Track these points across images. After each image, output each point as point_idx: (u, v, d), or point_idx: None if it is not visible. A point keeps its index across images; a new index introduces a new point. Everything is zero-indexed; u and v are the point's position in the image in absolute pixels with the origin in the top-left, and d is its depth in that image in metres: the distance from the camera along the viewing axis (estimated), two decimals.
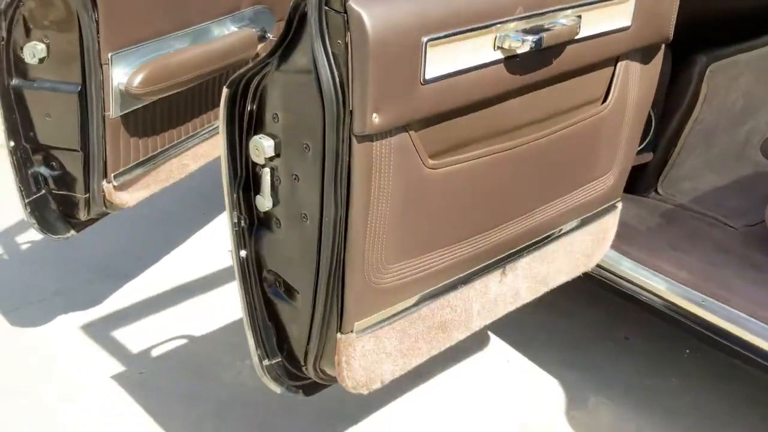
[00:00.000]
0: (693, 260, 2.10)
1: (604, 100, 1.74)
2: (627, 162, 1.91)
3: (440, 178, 1.42)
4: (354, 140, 1.25)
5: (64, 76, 1.96)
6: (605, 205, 1.97)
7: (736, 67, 2.34)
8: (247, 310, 1.54)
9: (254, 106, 1.37)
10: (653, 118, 2.27)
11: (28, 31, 1.93)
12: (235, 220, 1.48)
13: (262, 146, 1.36)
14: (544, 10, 1.42)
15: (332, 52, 1.22)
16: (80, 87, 1.96)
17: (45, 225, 2.16)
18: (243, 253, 1.50)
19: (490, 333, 2.53)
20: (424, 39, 1.24)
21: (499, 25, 1.36)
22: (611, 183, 1.90)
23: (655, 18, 1.66)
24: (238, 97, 1.37)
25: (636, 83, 1.77)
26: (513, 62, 1.41)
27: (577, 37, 1.50)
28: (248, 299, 1.53)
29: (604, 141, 1.79)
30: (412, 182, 1.38)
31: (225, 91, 1.34)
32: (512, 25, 1.38)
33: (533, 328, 2.51)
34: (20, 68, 1.98)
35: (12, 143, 2.03)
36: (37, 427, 2.09)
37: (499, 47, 1.37)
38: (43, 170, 2.12)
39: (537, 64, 1.47)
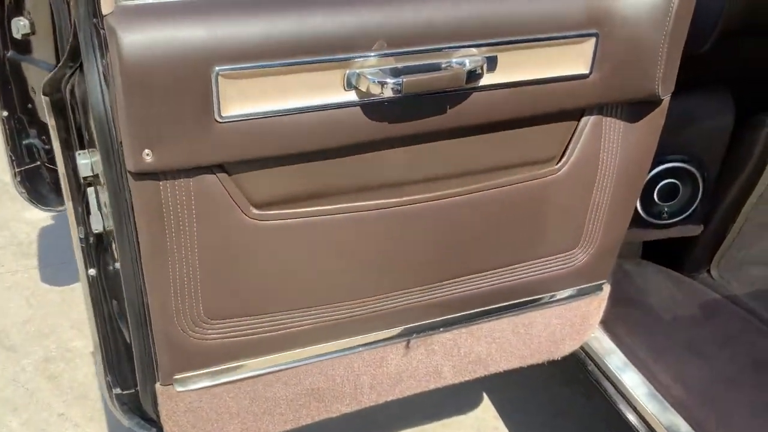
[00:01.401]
0: (703, 373, 1.66)
1: (559, 161, 1.39)
2: (610, 238, 1.52)
3: (273, 232, 1.19)
4: (131, 177, 1.07)
5: (43, 54, 1.94)
6: (579, 287, 1.60)
7: None
8: (97, 333, 1.41)
9: (78, 114, 1.23)
10: (700, 183, 1.83)
11: (18, 5, 1.93)
12: (81, 236, 1.35)
13: (78, 163, 1.22)
14: (422, 48, 1.12)
15: (103, 74, 1.04)
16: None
17: (36, 196, 2.18)
18: (92, 271, 1.38)
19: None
20: (216, 69, 1.01)
21: (347, 61, 1.09)
22: (584, 261, 1.54)
23: (631, 68, 1.28)
24: (67, 103, 1.23)
25: (617, 144, 1.39)
26: (380, 107, 1.14)
27: (486, 83, 1.18)
28: (98, 322, 1.41)
29: (560, 210, 1.43)
30: (228, 233, 1.16)
31: (44, 98, 1.21)
32: (371, 61, 1.10)
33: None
34: (14, 41, 1.99)
35: (5, 113, 2.06)
36: None
37: (354, 87, 1.11)
38: (38, 143, 2.14)
39: (426, 112, 1.18)
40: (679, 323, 1.85)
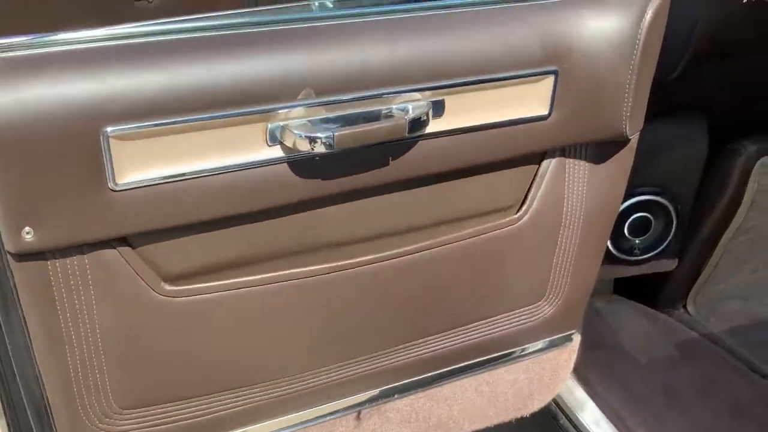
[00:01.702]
0: (681, 426, 1.53)
1: (519, 209, 1.24)
2: (579, 286, 1.38)
3: (190, 309, 1.03)
4: (11, 259, 0.90)
5: None
6: (548, 339, 1.46)
7: None
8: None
9: None
10: (674, 216, 1.70)
11: None
12: None
13: None
14: (356, 95, 0.97)
15: None
16: None
17: None
18: None
19: None
20: (106, 130, 0.85)
21: (268, 113, 0.94)
22: (551, 313, 1.39)
23: (595, 107, 1.14)
24: None
25: (583, 187, 1.25)
26: (311, 163, 0.98)
27: (433, 130, 1.04)
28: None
29: (522, 261, 1.29)
30: (135, 314, 1.00)
31: None
32: (297, 111, 0.95)
33: None
34: None
35: None
36: None
37: (278, 142, 0.95)
38: None
39: (365, 165, 1.02)
40: (655, 366, 1.72)
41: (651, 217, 1.69)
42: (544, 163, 1.21)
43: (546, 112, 1.12)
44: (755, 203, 1.67)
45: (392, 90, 0.99)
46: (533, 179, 1.22)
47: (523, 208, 1.23)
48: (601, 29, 1.09)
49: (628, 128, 1.16)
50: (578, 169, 1.24)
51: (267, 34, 0.93)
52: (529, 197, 1.23)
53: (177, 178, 0.91)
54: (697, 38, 1.45)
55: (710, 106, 1.62)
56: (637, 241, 1.72)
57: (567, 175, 1.24)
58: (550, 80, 1.09)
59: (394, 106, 1.00)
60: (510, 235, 1.24)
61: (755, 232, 1.74)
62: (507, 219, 1.23)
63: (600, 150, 1.23)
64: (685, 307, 1.88)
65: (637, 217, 1.69)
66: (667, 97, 1.59)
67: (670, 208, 1.67)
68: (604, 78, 1.11)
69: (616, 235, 1.70)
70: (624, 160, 1.26)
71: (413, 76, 1.00)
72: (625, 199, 1.66)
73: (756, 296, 1.88)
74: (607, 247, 1.71)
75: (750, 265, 1.84)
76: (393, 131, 0.97)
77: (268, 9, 0.95)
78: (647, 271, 1.78)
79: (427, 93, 1.02)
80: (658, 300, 1.88)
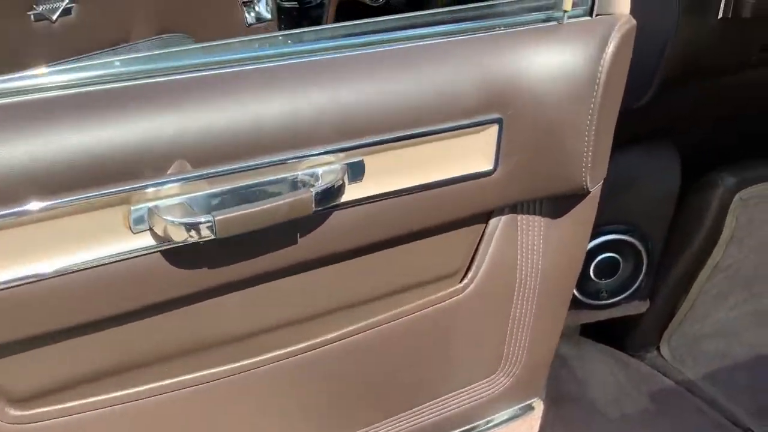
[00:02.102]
0: None
1: (465, 276, 1.05)
2: (539, 353, 1.20)
3: None
4: None
5: None
6: (507, 411, 1.27)
7: None
8: None
9: None
10: (644, 256, 1.52)
11: None
12: None
13: None
14: (246, 164, 0.77)
15: None
16: None
17: None
18: None
19: None
20: None
21: (130, 193, 0.73)
22: (508, 384, 1.20)
23: (548, 158, 0.95)
24: None
25: (539, 246, 1.06)
26: (192, 250, 0.78)
27: (352, 198, 0.84)
28: None
29: (472, 333, 1.10)
30: None
31: None
32: (168, 189, 0.74)
33: None
34: None
35: None
36: None
37: (145, 229, 0.75)
38: None
39: (263, 248, 0.82)
40: (628, 422, 1.54)
41: (619, 258, 1.51)
42: (493, 221, 1.02)
43: (490, 167, 0.92)
44: (734, 240, 1.51)
45: (294, 154, 0.79)
46: (480, 241, 1.03)
47: (469, 274, 1.04)
48: (553, 66, 0.90)
49: (588, 180, 0.97)
50: (533, 225, 1.05)
51: (122, 92, 0.72)
52: (476, 262, 1.04)
53: (14, 284, 0.70)
54: (668, 60, 1.27)
55: (683, 134, 1.45)
56: (604, 284, 1.54)
57: (520, 234, 1.05)
58: (493, 130, 0.90)
59: (299, 173, 0.79)
60: (455, 306, 1.05)
61: (734, 270, 1.58)
62: (451, 289, 1.04)
63: (557, 202, 1.04)
64: (658, 349, 1.71)
65: (604, 258, 1.51)
66: (635, 125, 1.41)
67: (640, 247, 1.50)
68: (559, 124, 0.92)
69: (581, 278, 1.52)
70: (586, 212, 1.07)
71: (322, 135, 0.80)
72: (589, 240, 1.48)
73: (735, 334, 1.72)
74: None
75: (729, 303, 1.68)
76: (295, 209, 0.77)
77: (124, 58, 0.74)
78: (616, 314, 1.60)
79: (342, 155, 0.82)
80: (629, 342, 1.70)
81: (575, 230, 1.08)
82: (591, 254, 1.50)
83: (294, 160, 0.79)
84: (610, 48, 0.90)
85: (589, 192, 1.01)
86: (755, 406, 1.55)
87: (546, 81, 0.90)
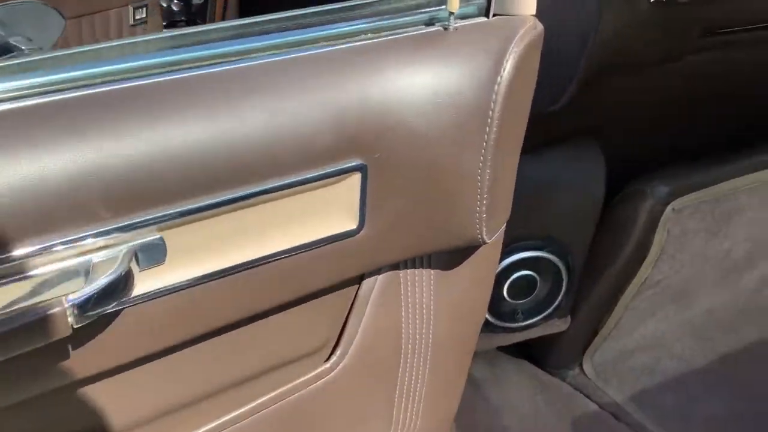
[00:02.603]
0: None
1: (333, 351, 0.82)
2: (435, 420, 0.99)
3: None
4: None
5: None
6: None
7: (731, 202, 1.35)
8: None
9: None
10: (564, 274, 1.33)
11: None
12: None
13: None
14: None
15: None
16: None
17: None
18: None
19: None
20: None
21: None
22: None
23: (431, 209, 0.72)
24: None
25: (429, 302, 0.85)
26: None
27: (147, 290, 0.60)
28: None
29: (349, 414, 0.88)
30: None
31: None
32: None
33: None
34: None
35: None
36: None
37: None
38: None
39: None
40: None
41: (536, 276, 1.32)
42: (367, 282, 0.79)
43: (354, 226, 0.69)
44: (665, 255, 1.32)
45: (38, 246, 0.53)
46: (351, 307, 0.80)
47: (338, 350, 0.81)
48: (434, 89, 0.66)
49: (484, 231, 0.75)
50: (420, 281, 0.82)
51: None
52: (347, 332, 0.81)
53: None
54: (590, 57, 1.05)
55: (608, 136, 1.24)
56: (519, 305, 1.35)
57: (404, 292, 0.82)
58: (354, 180, 0.66)
59: (52, 268, 0.54)
60: (324, 387, 0.82)
61: (665, 285, 1.40)
62: (317, 371, 0.81)
63: (451, 255, 0.82)
64: (581, 366, 1.53)
65: (519, 277, 1.30)
66: (552, 127, 1.20)
67: (559, 264, 1.30)
68: (443, 166, 0.69)
69: (494, 299, 1.32)
70: (486, 259, 0.85)
71: (86, 205, 0.55)
72: (502, 257, 1.27)
73: (664, 347, 1.56)
74: None
75: (657, 316, 1.51)
76: (45, 331, 0.52)
77: None
78: (534, 335, 1.42)
79: (126, 235, 0.57)
80: (550, 360, 1.52)
81: (473, 280, 0.86)
82: (504, 273, 1.29)
83: (41, 251, 0.54)
84: (509, 62, 0.67)
85: (486, 243, 0.79)
86: (687, 426, 1.40)
87: (425, 110, 0.66)
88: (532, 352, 1.56)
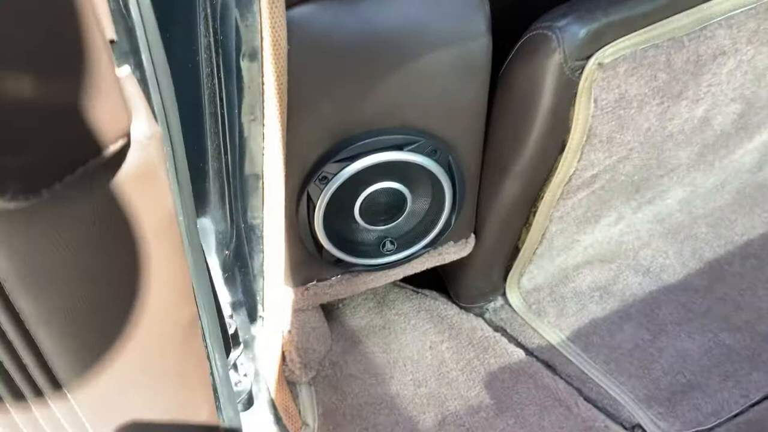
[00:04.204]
0: None
1: None
2: None
3: None
4: None
5: None
6: None
7: (702, 44, 0.84)
8: None
9: None
10: (442, 177, 0.86)
11: None
12: None
13: None
14: None
15: None
16: None
17: None
18: None
19: None
20: None
21: None
22: None
23: None
24: None
25: None
26: None
27: None
28: None
29: None
30: None
31: None
32: None
33: None
34: None
35: None
36: None
37: None
38: None
39: None
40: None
41: (401, 188, 0.86)
42: None
43: None
44: (593, 135, 0.84)
45: None
46: None
47: None
48: None
49: None
50: None
51: None
52: None
53: None
54: None
55: None
56: (384, 230, 0.90)
57: None
58: None
59: None
60: None
61: (605, 179, 0.93)
62: None
63: None
64: (504, 296, 1.10)
65: (375, 193, 0.85)
66: None
67: (433, 166, 0.83)
68: None
69: (342, 228, 0.87)
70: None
71: None
72: (336, 169, 0.80)
73: (620, 256, 1.12)
74: (317, 253, 0.88)
75: (606, 220, 1.05)
76: None
77: None
78: (422, 267, 0.98)
79: None
80: (462, 292, 1.09)
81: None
82: (352, 188, 0.83)
83: None
84: None
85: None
86: (644, 391, 0.98)
87: None
88: (438, 280, 1.13)
